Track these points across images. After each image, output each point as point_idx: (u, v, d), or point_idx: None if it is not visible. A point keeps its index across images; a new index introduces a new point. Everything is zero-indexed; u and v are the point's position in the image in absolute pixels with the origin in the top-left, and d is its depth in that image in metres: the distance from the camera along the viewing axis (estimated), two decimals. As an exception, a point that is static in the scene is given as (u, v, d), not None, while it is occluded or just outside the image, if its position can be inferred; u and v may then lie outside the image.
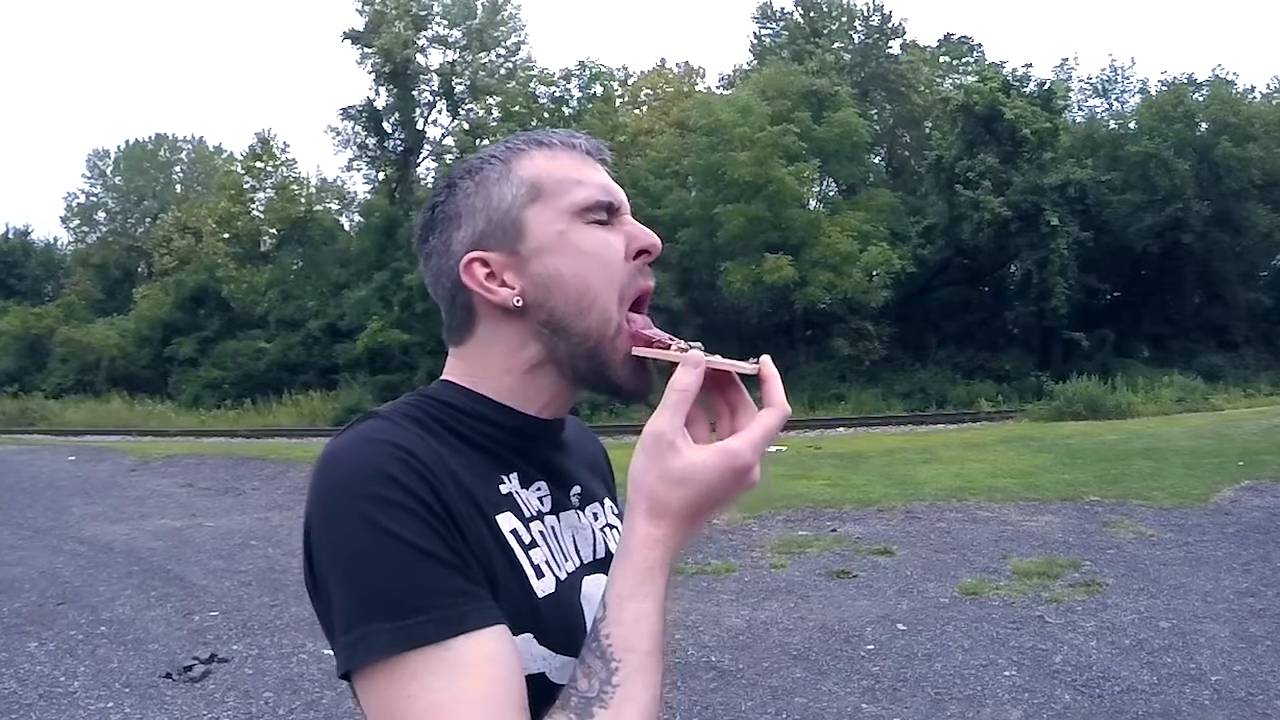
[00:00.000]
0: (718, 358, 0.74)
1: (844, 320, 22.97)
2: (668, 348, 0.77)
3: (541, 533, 0.79)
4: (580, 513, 0.86)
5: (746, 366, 0.75)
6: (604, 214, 0.81)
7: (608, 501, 0.92)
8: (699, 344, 0.76)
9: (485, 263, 0.80)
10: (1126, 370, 19.28)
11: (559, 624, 0.76)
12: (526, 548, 0.76)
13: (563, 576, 0.79)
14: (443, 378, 0.84)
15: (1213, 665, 3.91)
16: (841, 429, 15.93)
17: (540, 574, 0.76)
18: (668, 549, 0.70)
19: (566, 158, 0.82)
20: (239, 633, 5.00)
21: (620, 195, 0.83)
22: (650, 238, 0.82)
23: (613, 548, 0.86)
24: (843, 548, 6.30)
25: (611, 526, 0.90)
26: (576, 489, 0.87)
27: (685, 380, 0.71)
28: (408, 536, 0.67)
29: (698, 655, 4.37)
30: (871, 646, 4.40)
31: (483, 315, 0.81)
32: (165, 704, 4.02)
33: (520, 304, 0.79)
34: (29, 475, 12.53)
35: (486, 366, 0.82)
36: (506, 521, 0.76)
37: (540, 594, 0.75)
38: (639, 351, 0.78)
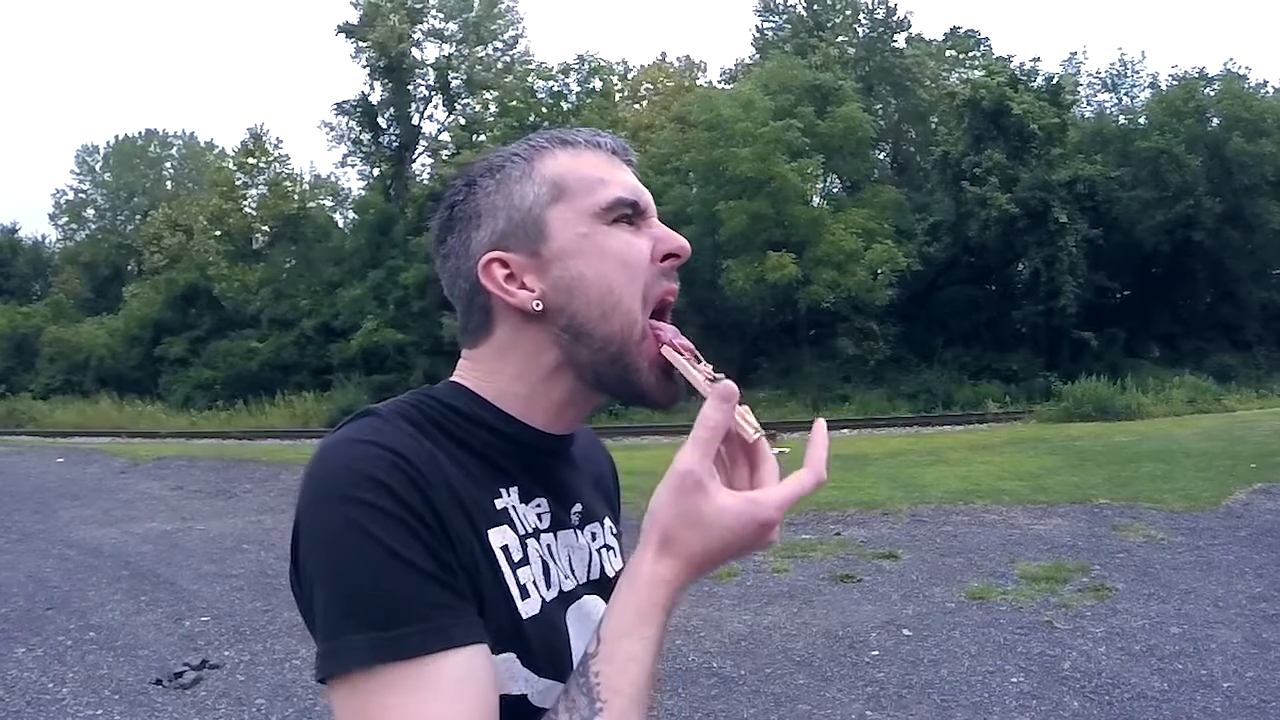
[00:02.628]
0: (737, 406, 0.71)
1: (848, 319, 22.85)
2: (697, 361, 0.75)
3: (536, 550, 0.77)
4: (579, 532, 0.84)
5: (752, 434, 0.71)
6: (629, 215, 0.79)
7: (607, 521, 0.90)
8: (723, 376, 0.73)
9: (505, 264, 0.78)
10: (1136, 371, 19.22)
11: (543, 646, 0.74)
12: (515, 565, 0.74)
13: (549, 598, 0.77)
14: (451, 379, 0.82)
15: (1224, 672, 3.86)
16: (846, 430, 15.79)
17: (525, 594, 0.74)
18: (672, 591, 0.69)
19: (591, 157, 0.80)
20: (231, 638, 4.96)
21: (647, 196, 0.81)
22: (678, 241, 0.80)
23: (609, 570, 0.85)
24: (847, 552, 6.24)
25: (609, 548, 0.88)
26: (578, 507, 0.85)
27: (716, 417, 0.69)
28: (394, 545, 0.65)
29: (699, 661, 4.33)
30: (876, 652, 4.35)
31: (500, 318, 0.79)
32: (155, 711, 4.01)
33: (540, 308, 0.77)
34: (16, 477, 12.53)
35: (498, 372, 0.79)
36: (498, 536, 0.74)
37: (524, 615, 0.74)
38: (668, 353, 0.76)
